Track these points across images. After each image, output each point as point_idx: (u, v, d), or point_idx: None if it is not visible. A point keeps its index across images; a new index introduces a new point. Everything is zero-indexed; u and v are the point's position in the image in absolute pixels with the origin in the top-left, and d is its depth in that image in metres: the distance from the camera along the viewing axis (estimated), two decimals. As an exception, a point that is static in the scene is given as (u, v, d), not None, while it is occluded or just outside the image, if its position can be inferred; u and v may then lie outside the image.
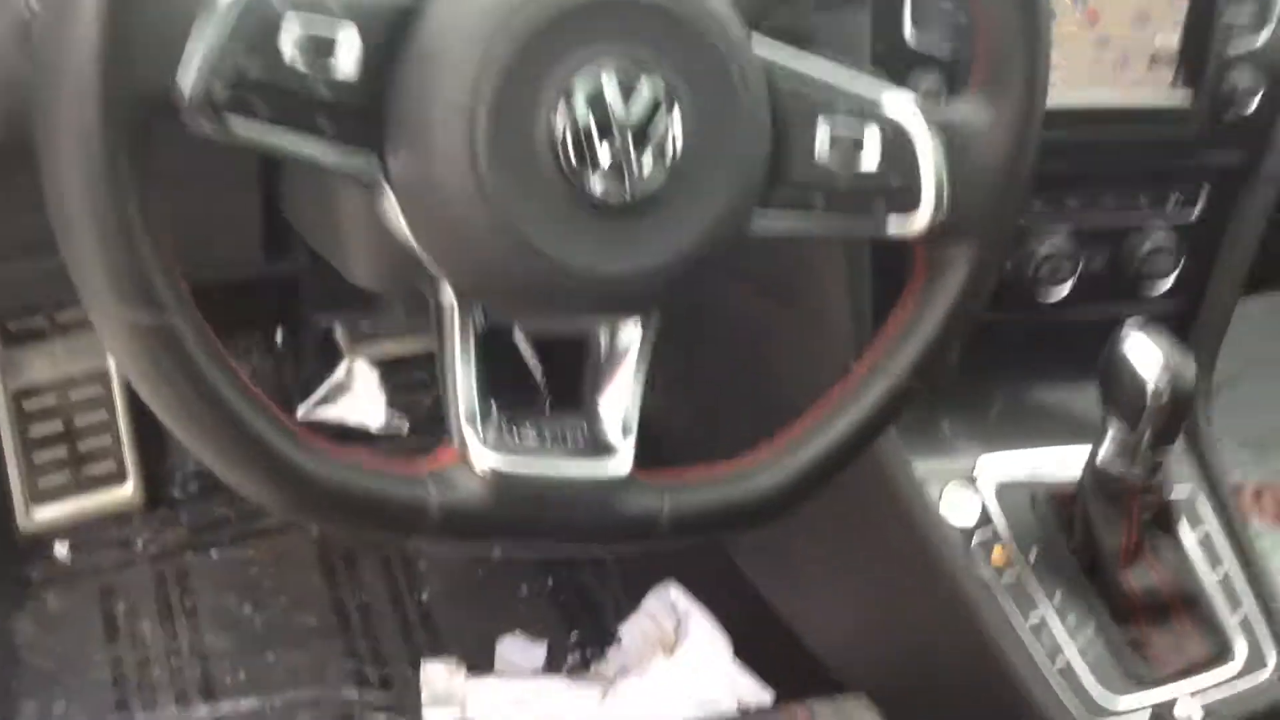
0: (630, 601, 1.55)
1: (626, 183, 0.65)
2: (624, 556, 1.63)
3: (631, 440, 0.73)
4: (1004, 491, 1.14)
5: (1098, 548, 1.09)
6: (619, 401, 0.74)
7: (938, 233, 0.76)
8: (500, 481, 0.69)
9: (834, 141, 0.73)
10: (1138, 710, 1.05)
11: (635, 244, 0.68)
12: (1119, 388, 1.03)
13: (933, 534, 1.10)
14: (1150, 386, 1.00)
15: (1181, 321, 1.23)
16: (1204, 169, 1.15)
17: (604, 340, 0.76)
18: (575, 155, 0.64)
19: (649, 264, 0.68)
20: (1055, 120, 1.07)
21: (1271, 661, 1.12)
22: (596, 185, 0.65)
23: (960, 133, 0.76)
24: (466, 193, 0.64)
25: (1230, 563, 1.16)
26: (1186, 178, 1.16)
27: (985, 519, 1.12)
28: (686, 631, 1.44)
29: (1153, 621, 1.10)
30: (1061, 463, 1.16)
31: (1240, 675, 1.10)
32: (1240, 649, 1.11)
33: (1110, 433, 1.06)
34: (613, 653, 1.53)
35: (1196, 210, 1.17)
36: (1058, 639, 1.07)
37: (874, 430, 0.78)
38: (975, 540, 1.11)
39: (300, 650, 1.56)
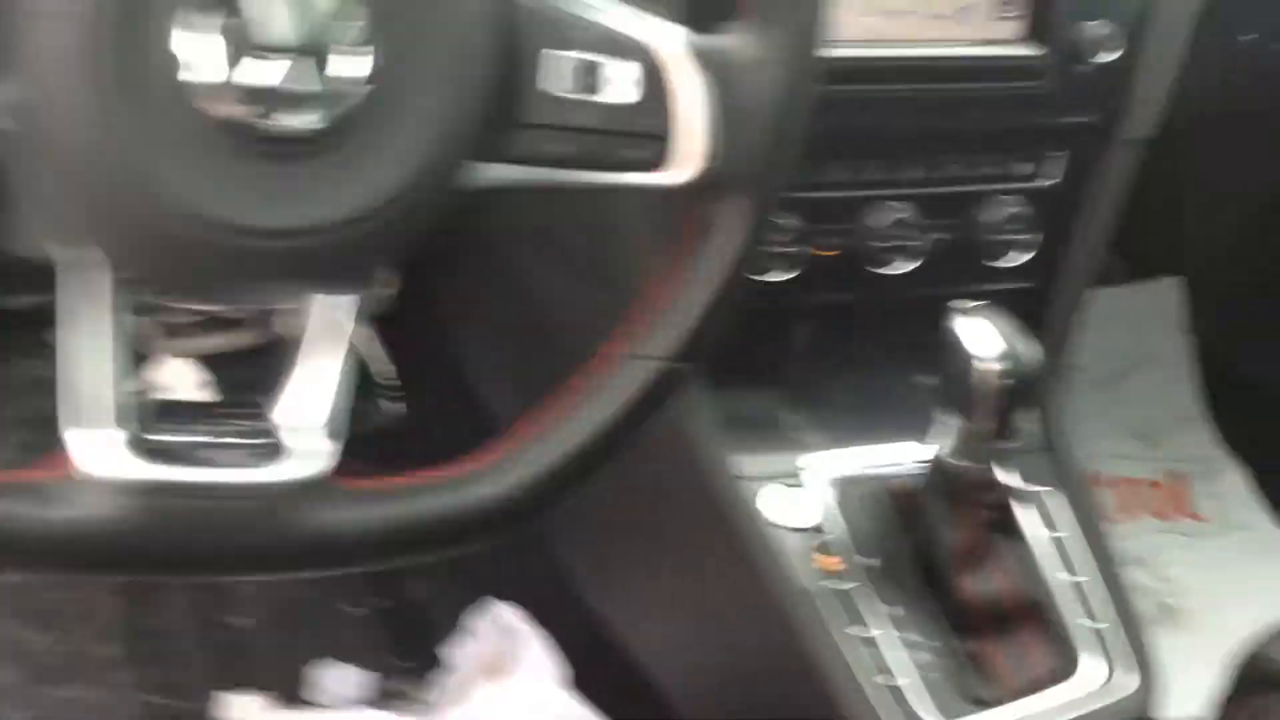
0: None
1: (297, 111, 0.52)
2: (465, 570, 1.50)
3: (326, 440, 0.60)
4: (842, 489, 1.03)
5: (936, 551, 0.98)
6: (313, 392, 0.61)
7: (705, 185, 0.64)
8: (129, 494, 0.55)
9: (579, 75, 0.61)
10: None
11: (307, 191, 0.54)
12: (951, 375, 0.92)
13: (754, 539, 0.98)
14: (983, 373, 0.89)
15: (1041, 300, 1.12)
16: (1060, 131, 1.05)
17: (298, 317, 0.63)
18: (221, 74, 0.51)
19: (327, 216, 0.55)
20: (891, 74, 0.98)
21: (1127, 677, 1.01)
22: (256, 113, 0.52)
23: (727, 68, 0.63)
24: (80, 122, 0.51)
25: (1086, 567, 1.05)
26: (1041, 140, 1.05)
27: (816, 522, 1.00)
28: (518, 656, 1.31)
29: (995, 633, 0.98)
30: (909, 457, 1.04)
31: (1091, 693, 0.99)
32: (1091, 663, 1.00)
33: (946, 424, 0.95)
34: (441, 679, 1.38)
35: (1053, 177, 1.06)
36: (888, 656, 0.95)
37: (631, 423, 0.65)
38: (805, 544, 0.99)
39: (95, 686, 1.40)
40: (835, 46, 0.93)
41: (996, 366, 0.89)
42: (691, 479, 1.01)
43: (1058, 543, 1.05)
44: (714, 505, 0.99)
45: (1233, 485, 1.91)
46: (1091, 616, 1.03)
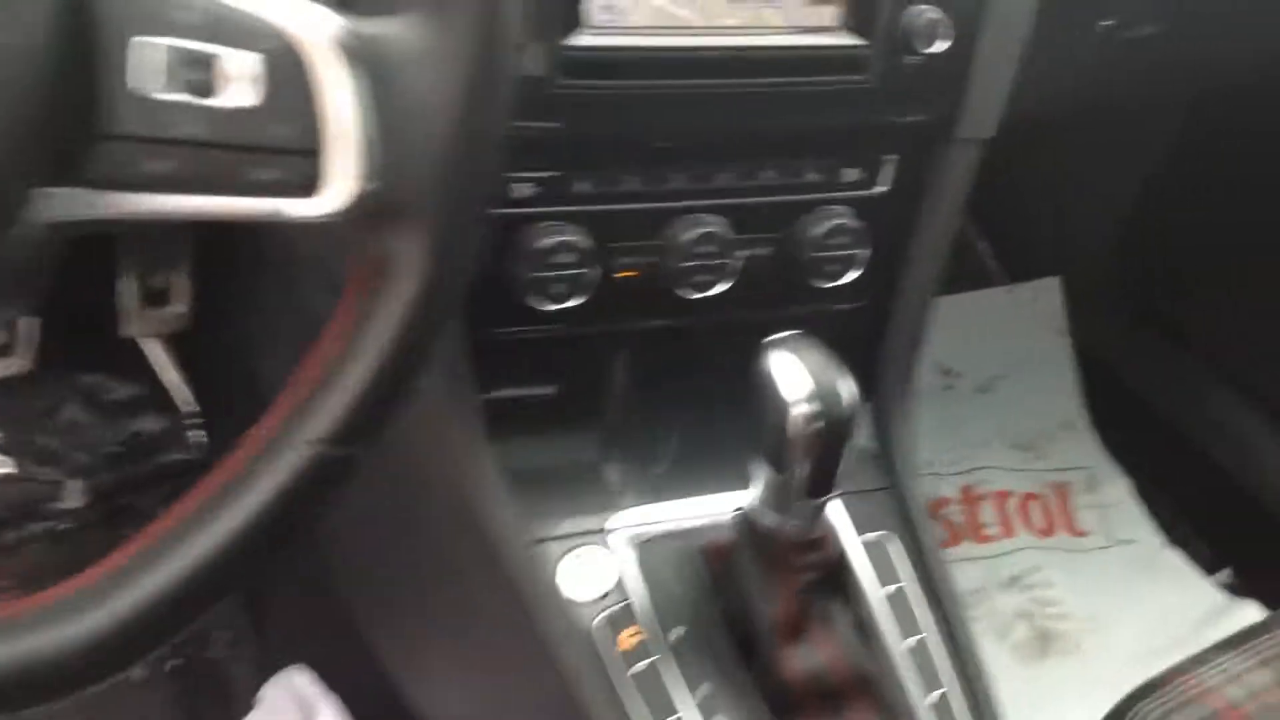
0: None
1: None
2: (263, 627, 1.34)
3: None
4: (646, 551, 0.89)
5: (752, 621, 0.85)
6: None
7: (366, 214, 0.50)
8: None
9: (183, 69, 0.46)
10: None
11: None
12: (760, 419, 0.79)
13: (541, 613, 0.84)
14: (791, 417, 0.76)
15: (877, 320, 1.00)
16: (889, 131, 0.92)
17: None
18: None
19: None
20: (688, 67, 0.83)
21: (972, 753, 0.89)
22: None
23: (387, 62, 0.49)
24: None
25: (925, 622, 0.93)
26: (868, 142, 0.92)
27: (618, 589, 0.87)
28: (316, 725, 1.16)
29: (821, 714, 0.85)
30: (727, 511, 0.91)
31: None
32: (932, 741, 0.88)
33: (757, 475, 0.81)
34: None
35: (883, 184, 0.94)
36: (702, 746, 0.82)
37: (278, 528, 0.50)
38: (600, 618, 0.85)
39: None
40: (618, 34, 0.81)
41: (805, 409, 0.75)
42: (478, 548, 0.86)
43: (894, 599, 0.93)
44: (503, 579, 0.85)
45: (1117, 495, 1.81)
46: (931, 684, 0.90)
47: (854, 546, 0.94)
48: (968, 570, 1.66)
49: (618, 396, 0.96)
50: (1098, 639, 1.59)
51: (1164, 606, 1.63)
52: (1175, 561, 1.71)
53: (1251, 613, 1.58)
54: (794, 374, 0.77)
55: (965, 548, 1.69)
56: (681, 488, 0.94)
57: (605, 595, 0.86)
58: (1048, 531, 1.75)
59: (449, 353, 0.82)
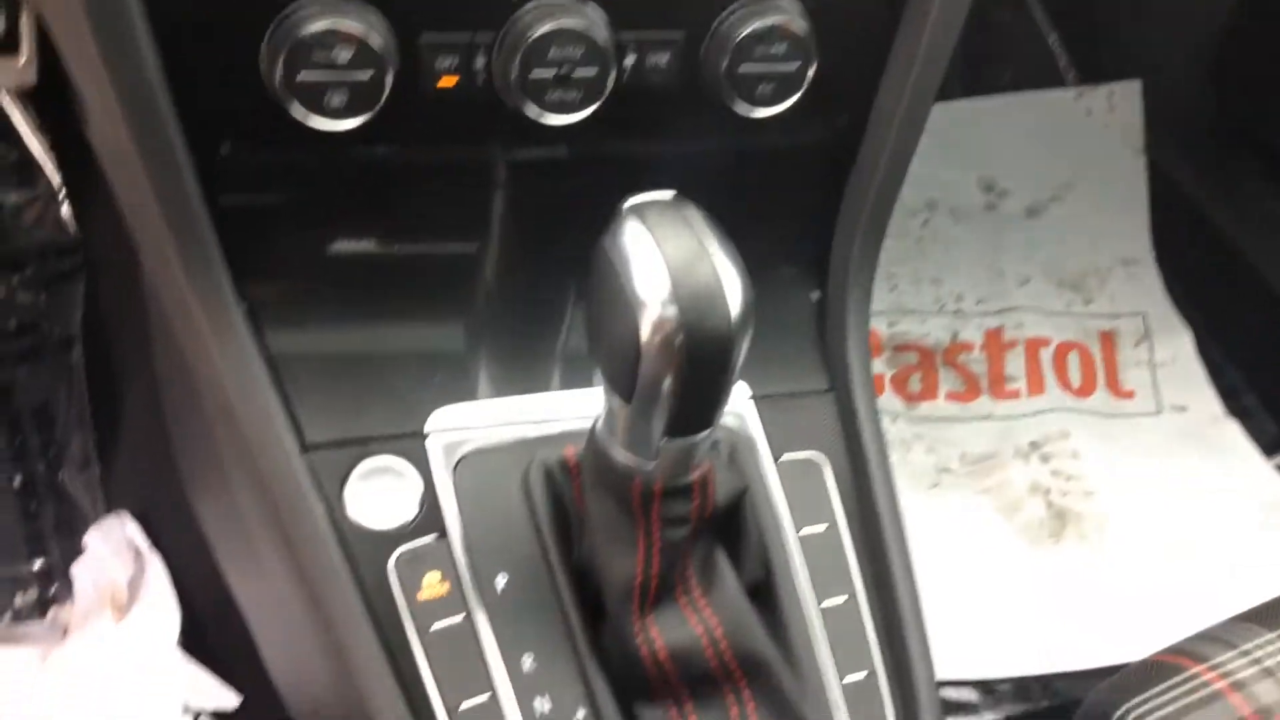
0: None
1: None
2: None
3: None
4: (471, 464, 0.65)
5: (602, 578, 0.62)
6: None
7: None
8: None
9: None
10: None
11: None
12: (599, 325, 0.54)
13: (314, 545, 0.61)
14: (641, 328, 0.50)
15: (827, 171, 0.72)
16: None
17: None
18: None
19: None
20: None
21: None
22: None
23: None
24: None
25: (858, 582, 0.70)
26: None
27: (426, 517, 0.64)
28: (145, 584, 0.97)
29: (685, 702, 0.63)
30: (586, 414, 0.66)
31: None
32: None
33: (604, 396, 0.57)
34: (62, 601, 1.06)
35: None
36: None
37: None
38: (396, 554, 0.62)
39: None
40: None
41: (659, 316, 0.50)
42: (240, 452, 0.64)
43: (815, 544, 0.69)
44: (264, 495, 0.62)
45: (1174, 351, 1.53)
46: (852, 663, 0.68)
47: (767, 470, 0.70)
48: (979, 431, 1.41)
49: (453, 259, 0.70)
50: (1123, 526, 1.35)
51: (1211, 493, 1.37)
52: (1232, 437, 1.45)
53: (1316, 511, 1.32)
54: (648, 260, 0.51)
55: (981, 404, 1.44)
56: (535, 379, 0.69)
57: (408, 524, 0.63)
58: (1085, 391, 1.48)
59: (171, 194, 0.58)
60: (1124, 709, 0.71)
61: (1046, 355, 1.50)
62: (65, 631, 1.05)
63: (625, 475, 0.58)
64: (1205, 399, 1.48)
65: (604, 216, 0.54)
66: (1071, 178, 1.61)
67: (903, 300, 1.51)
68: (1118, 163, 1.61)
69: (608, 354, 0.54)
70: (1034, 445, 1.41)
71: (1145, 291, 1.57)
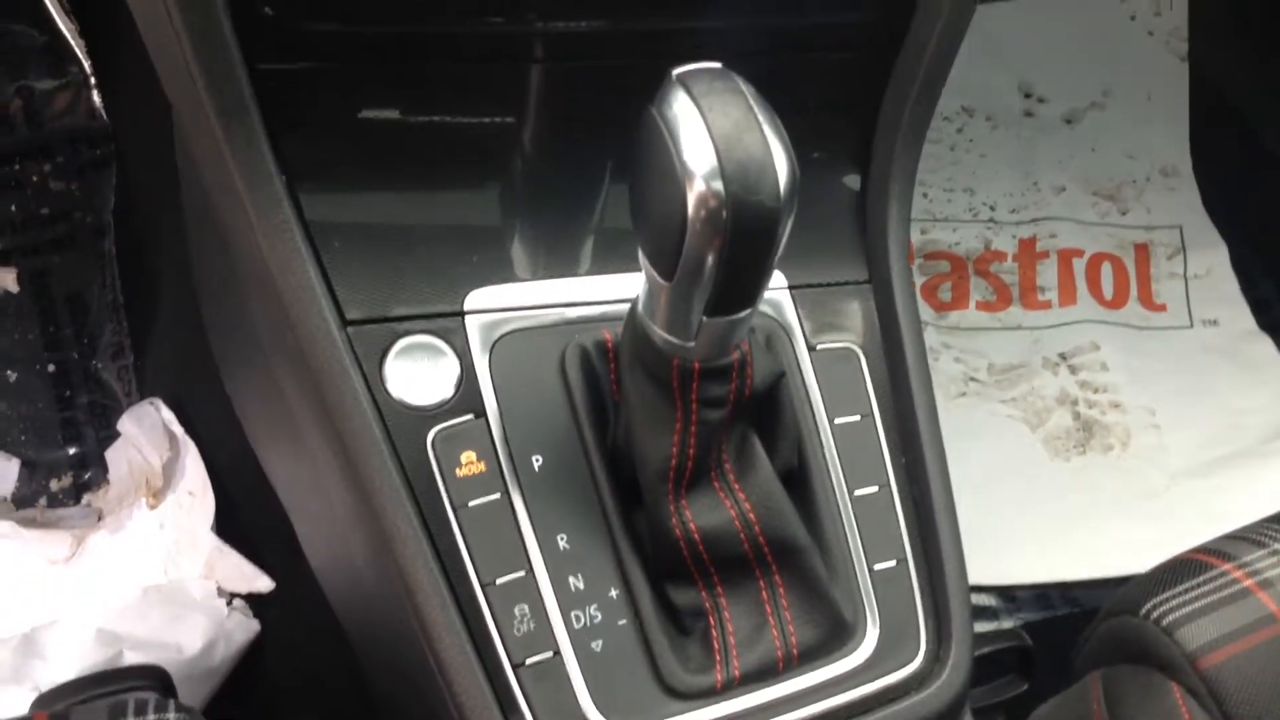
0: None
1: None
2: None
3: None
4: (509, 345, 0.65)
5: (639, 458, 0.62)
6: None
7: None
8: None
9: None
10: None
11: None
12: (643, 199, 0.53)
13: (355, 419, 0.62)
14: (688, 198, 0.50)
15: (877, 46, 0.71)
16: None
17: None
18: None
19: None
20: None
21: (921, 646, 0.68)
22: None
23: None
24: None
25: (890, 472, 0.70)
26: None
27: (463, 397, 0.64)
28: (180, 470, 0.98)
29: (724, 586, 0.64)
30: (625, 295, 0.67)
31: (864, 671, 0.65)
32: (868, 629, 0.66)
33: (644, 275, 0.56)
34: (98, 484, 1.08)
35: None
36: (546, 616, 0.61)
37: None
38: (434, 432, 0.63)
39: None
40: None
41: (705, 190, 0.49)
42: (278, 325, 0.64)
43: (848, 434, 0.69)
44: (303, 370, 0.63)
45: (1209, 263, 1.52)
46: (883, 551, 0.68)
47: (803, 359, 0.70)
48: (1008, 341, 1.40)
49: (506, 131, 0.69)
50: (1152, 438, 1.35)
51: (1241, 406, 1.37)
52: (1266, 351, 1.44)
53: (1346, 424, 1.32)
54: (695, 132, 0.50)
55: (1012, 314, 1.43)
56: (574, 261, 0.69)
57: (446, 401, 0.64)
58: (1117, 303, 1.47)
59: (212, 60, 0.57)
60: (1151, 603, 0.72)
61: (1079, 266, 1.48)
62: (100, 516, 1.07)
63: (664, 355, 0.57)
64: (1238, 314, 1.47)
65: (645, 94, 0.53)
66: (1112, 85, 1.59)
67: (935, 208, 1.50)
68: (1160, 70, 1.58)
69: (651, 227, 0.53)
70: (1063, 357, 1.41)
71: (1182, 203, 1.55)
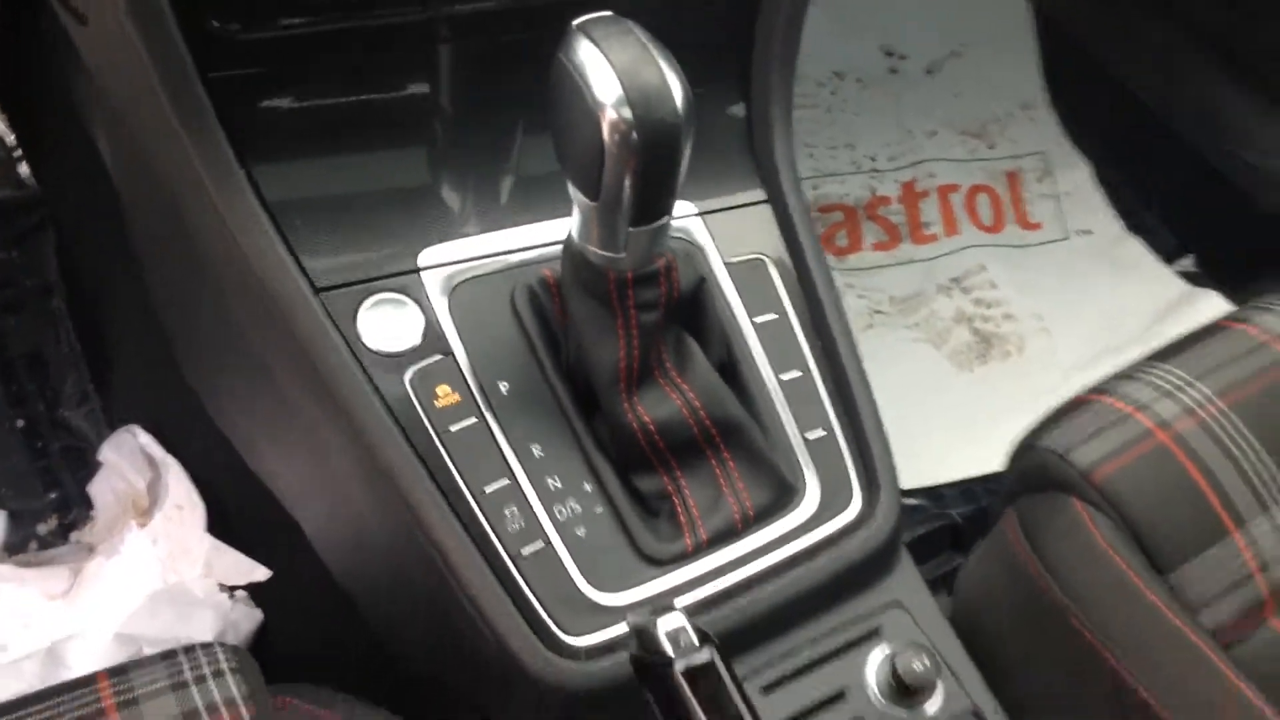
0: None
1: None
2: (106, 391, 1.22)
3: None
4: (464, 292, 0.75)
5: (590, 368, 0.72)
6: None
7: None
8: None
9: None
10: (635, 606, 0.70)
11: None
12: (564, 130, 0.63)
13: (334, 369, 0.70)
14: (601, 128, 0.60)
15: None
16: None
17: None
18: None
19: None
20: None
21: (854, 497, 0.78)
22: None
23: None
24: None
25: (809, 357, 0.80)
26: None
27: (431, 339, 0.73)
28: (165, 488, 1.05)
29: (675, 468, 0.73)
30: (560, 239, 0.76)
31: (800, 526, 0.75)
32: (808, 488, 0.77)
33: (574, 207, 0.66)
34: (86, 519, 1.14)
35: None
36: (533, 513, 0.70)
37: None
38: (410, 371, 0.72)
39: None
40: None
41: (615, 117, 0.59)
42: (253, 301, 0.72)
43: (768, 329, 0.80)
44: (285, 334, 0.71)
45: (1074, 182, 1.66)
46: (811, 422, 0.78)
47: (719, 271, 0.80)
48: (904, 274, 1.53)
49: (431, 104, 0.79)
50: (1043, 340, 1.48)
51: (1119, 302, 1.50)
52: (1135, 251, 1.58)
53: (1213, 304, 1.45)
54: (601, 69, 0.60)
55: (904, 250, 1.56)
56: (512, 213, 0.78)
57: (416, 346, 0.73)
58: (995, 227, 1.60)
59: (161, 60, 0.66)
60: (1047, 438, 0.83)
61: (958, 199, 1.61)
62: (91, 549, 1.13)
63: (601, 270, 0.67)
64: (1107, 221, 1.61)
65: (544, 63, 0.63)
66: (965, 34, 1.73)
67: (821, 165, 1.62)
68: (1009, 16, 1.72)
69: (574, 158, 0.63)
70: (955, 281, 1.53)
71: (1043, 132, 1.70)
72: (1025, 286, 1.52)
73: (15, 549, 1.14)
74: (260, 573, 1.01)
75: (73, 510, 1.18)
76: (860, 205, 1.58)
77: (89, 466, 1.16)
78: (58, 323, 1.25)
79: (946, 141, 1.67)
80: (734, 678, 0.62)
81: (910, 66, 1.72)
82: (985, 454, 1.33)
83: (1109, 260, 1.57)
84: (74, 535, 1.16)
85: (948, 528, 1.20)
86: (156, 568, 1.03)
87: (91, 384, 1.22)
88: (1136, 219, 1.61)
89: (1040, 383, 1.40)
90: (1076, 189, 1.65)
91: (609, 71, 0.59)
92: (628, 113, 0.59)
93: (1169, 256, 1.57)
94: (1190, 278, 1.53)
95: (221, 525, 1.03)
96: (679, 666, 0.65)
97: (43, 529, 1.17)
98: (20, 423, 1.21)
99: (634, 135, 0.60)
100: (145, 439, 1.07)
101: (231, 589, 1.01)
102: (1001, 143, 1.67)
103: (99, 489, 1.12)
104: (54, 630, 1.02)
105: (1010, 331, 1.47)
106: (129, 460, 1.08)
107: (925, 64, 1.72)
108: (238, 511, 1.03)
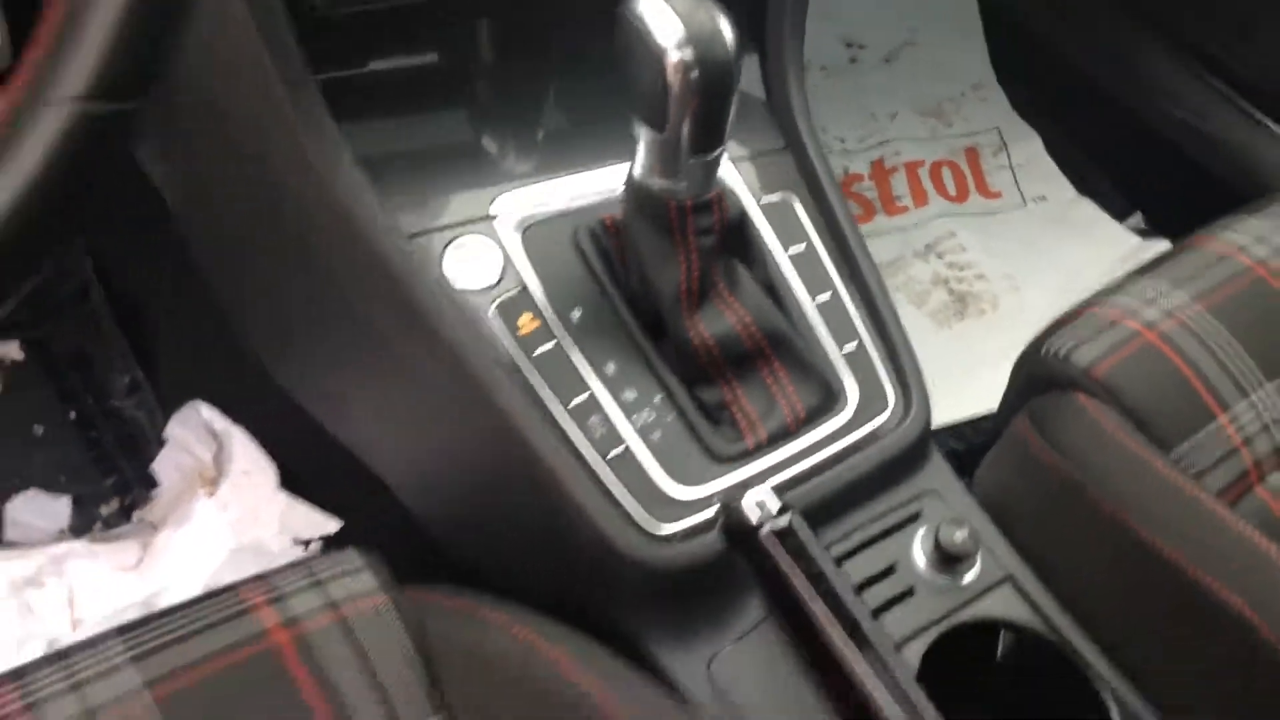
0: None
1: None
2: (162, 368, 1.29)
3: None
4: (534, 235, 0.84)
5: (655, 294, 0.81)
6: None
7: None
8: None
9: None
10: (708, 499, 0.80)
11: None
12: (632, 75, 0.73)
13: (431, 305, 0.79)
14: (666, 67, 0.69)
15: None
16: None
17: None
18: None
19: None
20: None
21: (889, 401, 0.88)
22: None
23: None
24: None
25: (837, 282, 0.90)
26: None
27: (508, 276, 0.82)
28: (228, 459, 1.13)
29: (733, 378, 0.83)
30: (612, 186, 0.86)
31: (846, 424, 0.85)
32: (848, 394, 0.86)
33: (639, 138, 0.76)
34: (153, 495, 1.20)
35: None
36: (612, 422, 0.79)
37: (36, 196, 0.45)
38: (493, 305, 0.81)
39: None
40: None
41: (678, 56, 0.69)
42: (349, 250, 0.80)
43: (801, 258, 0.90)
44: (381, 278, 0.80)
45: (1027, 154, 1.78)
46: (845, 337, 0.88)
47: (753, 209, 0.90)
48: (882, 243, 1.64)
49: (485, 65, 0.89)
50: (1014, 297, 1.59)
51: (1078, 258, 1.63)
52: (1088, 212, 1.70)
53: (1163, 249, 1.58)
54: (663, 18, 0.69)
55: (879, 222, 1.67)
56: (569, 163, 0.88)
57: (496, 283, 0.81)
58: (960, 197, 1.72)
59: (268, 30, 0.74)
60: (1047, 345, 0.94)
61: (924, 174, 1.73)
62: (154, 526, 1.19)
63: (661, 200, 0.77)
64: (1060, 187, 1.74)
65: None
66: (918, 25, 1.85)
67: (796, 148, 1.72)
68: (957, 5, 1.85)
69: (642, 97, 0.72)
70: (929, 247, 1.65)
71: (995, 110, 1.82)
72: (992, 250, 1.64)
73: (80, 532, 1.20)
74: (332, 525, 1.08)
75: (132, 490, 1.24)
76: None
77: (143, 452, 1.22)
78: (100, 321, 1.31)
79: (908, 122, 1.79)
80: (814, 536, 0.71)
81: (869, 55, 1.84)
82: (969, 399, 1.44)
83: (1066, 222, 1.69)
84: (136, 514, 1.22)
85: (950, 453, 1.30)
86: (228, 531, 1.10)
87: (140, 372, 1.28)
88: (1088, 184, 1.74)
89: (1016, 335, 1.50)
90: (1030, 160, 1.77)
91: (671, 15, 0.69)
92: (690, 52, 0.69)
93: (1119, 215, 1.69)
94: (1140, 232, 1.66)
95: (289, 489, 1.10)
96: (766, 529, 0.75)
97: (105, 510, 1.23)
98: (72, 414, 1.28)
99: (694, 73, 0.69)
100: (209, 412, 1.14)
101: (305, 543, 1.08)
102: (958, 121, 1.80)
103: (163, 466, 1.19)
104: (129, 601, 1.08)
105: (983, 290, 1.59)
106: (194, 433, 1.15)
107: (884, 53, 1.84)
108: (300, 477, 1.11)
